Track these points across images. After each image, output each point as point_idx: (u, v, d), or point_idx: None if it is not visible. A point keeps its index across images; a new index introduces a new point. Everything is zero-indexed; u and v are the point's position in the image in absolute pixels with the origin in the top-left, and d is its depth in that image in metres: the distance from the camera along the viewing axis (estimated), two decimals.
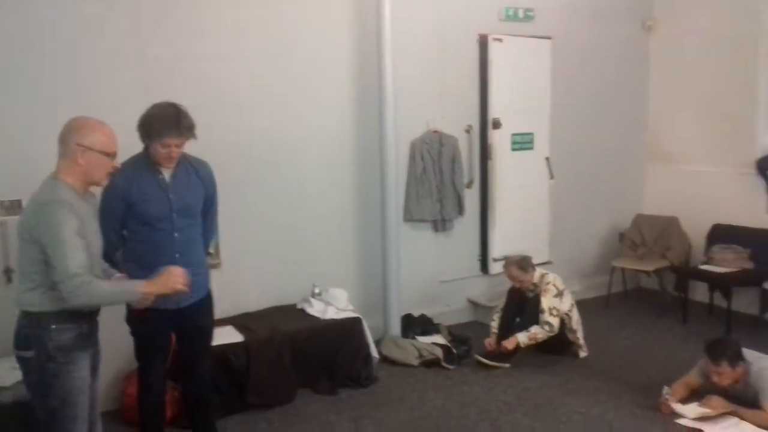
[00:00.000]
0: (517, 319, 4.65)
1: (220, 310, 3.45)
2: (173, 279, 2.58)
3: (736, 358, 3.71)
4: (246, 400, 3.94)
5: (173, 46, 4.15)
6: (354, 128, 4.91)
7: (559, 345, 4.66)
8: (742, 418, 3.61)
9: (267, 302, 4.57)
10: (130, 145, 2.90)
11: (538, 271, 4.72)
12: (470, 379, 4.37)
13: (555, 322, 4.50)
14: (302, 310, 4.45)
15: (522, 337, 4.49)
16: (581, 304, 5.73)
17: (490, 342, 4.64)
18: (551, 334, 4.50)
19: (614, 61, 6.09)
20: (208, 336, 3.31)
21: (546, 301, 4.54)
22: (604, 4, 5.93)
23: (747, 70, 5.46)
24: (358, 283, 5.01)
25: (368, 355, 4.38)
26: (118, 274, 2.73)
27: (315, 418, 3.86)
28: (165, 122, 2.88)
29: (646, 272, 5.87)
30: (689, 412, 3.68)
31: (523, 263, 4.67)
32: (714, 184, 5.74)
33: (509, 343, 4.50)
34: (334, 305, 4.40)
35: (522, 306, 4.66)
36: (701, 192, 5.84)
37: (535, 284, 4.66)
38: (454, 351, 4.64)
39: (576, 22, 5.79)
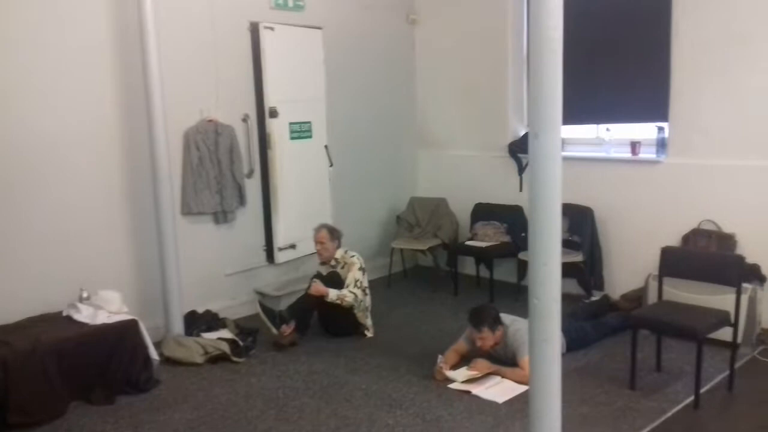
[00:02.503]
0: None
1: None
2: None
3: (495, 322, 4.13)
4: (7, 420, 3.55)
5: None
6: (119, 120, 4.61)
7: (347, 326, 4.83)
8: (503, 376, 4.02)
9: (27, 312, 4.13)
10: None
11: (342, 248, 4.95)
12: (258, 370, 4.35)
13: (359, 294, 4.76)
14: (69, 317, 4.09)
15: (333, 293, 4.68)
16: None
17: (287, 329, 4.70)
18: (354, 304, 4.73)
19: (384, 52, 6.38)
20: None
21: (351, 275, 4.78)
22: None
23: (499, 63, 6.03)
24: (134, 283, 4.74)
25: (147, 357, 4.16)
26: None
27: (89, 431, 3.59)
28: None
29: (422, 251, 6.27)
30: (459, 376, 4.02)
31: (334, 232, 4.94)
32: (475, 167, 6.29)
33: (315, 287, 4.68)
34: (105, 309, 4.11)
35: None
36: (465, 174, 6.38)
37: (337, 259, 4.89)
38: (241, 344, 4.58)
39: (346, 12, 5.97)
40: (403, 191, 6.65)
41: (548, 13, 2.42)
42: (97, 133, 4.52)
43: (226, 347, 4.49)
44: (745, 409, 3.65)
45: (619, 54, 5.33)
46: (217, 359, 4.45)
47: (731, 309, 3.78)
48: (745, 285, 4.25)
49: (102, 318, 4.06)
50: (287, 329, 4.68)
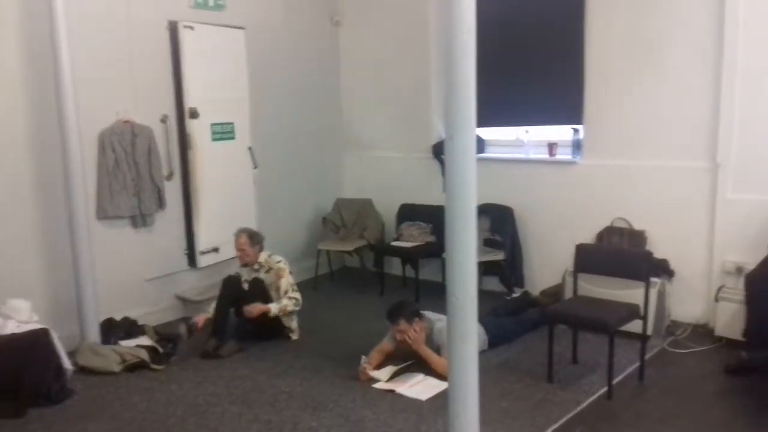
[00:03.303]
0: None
1: None
2: None
3: (411, 314, 4.18)
4: None
5: None
6: (29, 119, 4.41)
7: (272, 330, 4.78)
8: (428, 359, 4.08)
9: None
10: None
11: (266, 252, 4.89)
12: (179, 376, 4.24)
13: (299, 296, 4.79)
14: None
15: (274, 308, 4.65)
16: None
17: (199, 320, 4.66)
18: (297, 308, 4.76)
19: (308, 53, 6.36)
20: None
21: (285, 281, 4.78)
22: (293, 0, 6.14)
23: (422, 66, 6.11)
24: (47, 291, 4.55)
25: (60, 367, 3.99)
26: None
27: None
28: None
29: (348, 252, 6.28)
30: (383, 375, 4.05)
31: (255, 237, 4.87)
32: (400, 168, 6.35)
33: (254, 309, 4.60)
34: (14, 318, 3.92)
35: (239, 294, 4.71)
36: (390, 175, 6.43)
37: (260, 263, 4.83)
38: (161, 351, 4.46)
39: (269, 13, 5.91)
40: (329, 192, 6.64)
41: (461, 17, 2.47)
42: (4, 135, 4.31)
43: (144, 355, 4.36)
44: (654, 398, 3.83)
45: (537, 59, 5.50)
46: (135, 367, 4.31)
47: (641, 302, 3.96)
48: (654, 279, 4.47)
49: (11, 328, 3.88)
50: (200, 320, 4.64)
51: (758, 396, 3.80)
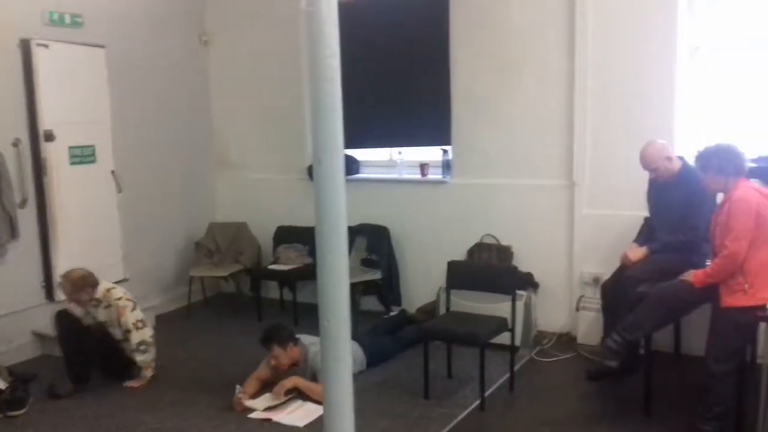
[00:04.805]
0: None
1: None
2: None
3: (284, 339, 4.12)
4: None
5: None
6: None
7: (123, 367, 4.47)
8: (303, 389, 4.01)
9: None
10: None
11: (103, 285, 4.42)
12: (37, 419, 3.92)
13: (147, 334, 4.36)
14: None
15: (139, 359, 4.31)
16: (162, 318, 5.72)
17: None
18: (149, 352, 4.36)
19: (175, 72, 6.16)
20: None
21: (126, 318, 4.31)
22: (158, 16, 5.93)
23: (295, 85, 6.06)
24: None
25: None
26: None
27: None
28: None
29: (224, 277, 6.09)
30: (259, 404, 3.95)
31: (83, 279, 4.33)
32: (276, 190, 6.27)
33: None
34: None
35: (80, 329, 4.35)
36: (266, 197, 6.34)
37: (98, 299, 4.38)
38: (15, 395, 4.09)
39: (131, 31, 5.66)
40: (202, 216, 6.43)
41: (324, 41, 2.48)
42: None
43: None
44: (524, 407, 4.00)
45: (408, 84, 5.64)
46: None
47: (509, 315, 4.13)
48: (520, 292, 4.68)
49: None
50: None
51: (615, 399, 4.08)
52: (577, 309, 4.86)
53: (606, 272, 4.60)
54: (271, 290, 6.20)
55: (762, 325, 3.51)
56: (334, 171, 2.65)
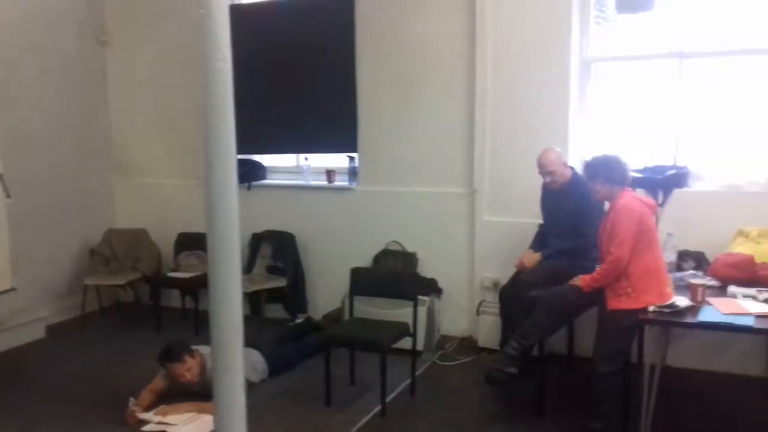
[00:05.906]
0: None
1: None
2: None
3: (180, 355, 4.03)
4: None
5: None
6: None
7: None
8: (202, 410, 3.89)
9: None
10: None
11: None
12: None
13: None
14: None
15: None
16: (54, 329, 5.45)
17: None
18: None
19: (69, 72, 5.88)
20: None
21: None
22: (53, 14, 5.66)
23: (196, 88, 5.88)
24: None
25: None
26: None
27: None
28: None
29: (121, 286, 5.85)
30: (154, 416, 3.81)
31: None
32: (177, 195, 6.07)
33: None
34: None
35: None
36: (167, 203, 6.14)
37: None
38: None
39: (20, 30, 5.37)
40: (99, 223, 6.16)
41: (216, 45, 2.43)
42: None
43: None
44: (424, 410, 4.06)
45: (315, 91, 5.58)
46: None
47: (411, 321, 4.18)
48: (423, 298, 4.76)
49: None
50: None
51: (511, 400, 4.19)
52: (478, 313, 4.97)
53: (505, 277, 4.72)
54: (173, 299, 6.01)
55: (647, 327, 3.71)
56: (226, 176, 2.60)
